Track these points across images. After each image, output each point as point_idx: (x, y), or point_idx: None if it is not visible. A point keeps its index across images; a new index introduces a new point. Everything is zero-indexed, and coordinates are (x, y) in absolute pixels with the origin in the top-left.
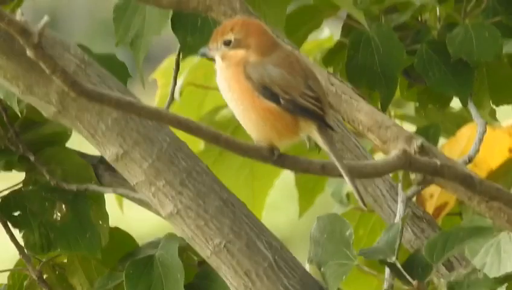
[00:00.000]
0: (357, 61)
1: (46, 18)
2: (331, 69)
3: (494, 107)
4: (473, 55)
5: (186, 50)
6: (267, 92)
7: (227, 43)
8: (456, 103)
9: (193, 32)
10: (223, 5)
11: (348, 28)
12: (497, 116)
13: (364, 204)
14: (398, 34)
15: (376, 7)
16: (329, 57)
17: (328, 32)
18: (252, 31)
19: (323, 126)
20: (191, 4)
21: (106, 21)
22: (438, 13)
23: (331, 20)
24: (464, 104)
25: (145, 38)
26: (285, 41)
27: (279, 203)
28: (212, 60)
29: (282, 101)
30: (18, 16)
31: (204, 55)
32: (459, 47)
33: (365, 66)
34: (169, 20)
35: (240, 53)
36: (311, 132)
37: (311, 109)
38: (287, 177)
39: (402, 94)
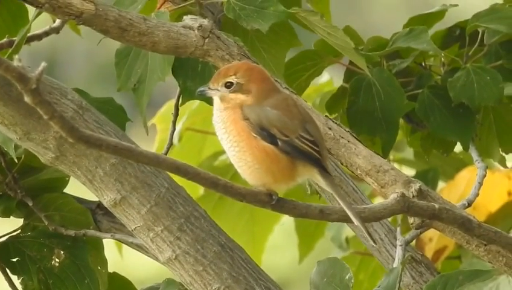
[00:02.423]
0: (358, 107)
1: (43, 64)
2: (335, 116)
3: (503, 154)
4: (474, 99)
5: (186, 95)
6: (265, 133)
7: (228, 86)
8: (456, 147)
9: (193, 77)
10: (221, 50)
11: (350, 74)
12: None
13: (374, 241)
14: (401, 79)
15: (378, 53)
16: (332, 103)
17: (328, 77)
18: (254, 76)
19: (322, 170)
20: (188, 49)
21: (104, 66)
22: (442, 58)
23: (333, 65)
24: (465, 148)
25: (148, 83)
26: (283, 86)
27: (279, 245)
28: (210, 100)
29: (279, 143)
30: (15, 61)
31: (202, 94)
32: (460, 91)
33: (366, 111)
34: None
35: (239, 97)
36: (312, 175)
37: (308, 152)
38: (287, 220)
39: (406, 140)
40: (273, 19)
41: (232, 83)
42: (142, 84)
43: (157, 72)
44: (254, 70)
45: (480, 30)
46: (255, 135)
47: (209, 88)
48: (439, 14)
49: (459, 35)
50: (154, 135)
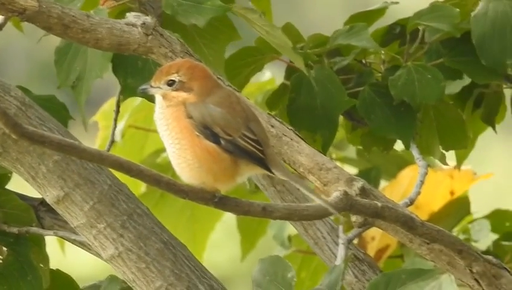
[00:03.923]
0: (299, 104)
1: None
2: (275, 112)
3: (443, 152)
4: (416, 98)
5: (127, 92)
6: (208, 131)
7: (170, 84)
8: (398, 145)
9: (134, 74)
10: (164, 47)
11: (291, 71)
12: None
13: (340, 212)
14: (342, 77)
15: (318, 50)
16: (273, 99)
17: (270, 75)
18: (196, 74)
19: (266, 169)
20: (131, 46)
21: (45, 63)
22: (382, 56)
23: (275, 62)
24: (407, 146)
25: (87, 81)
26: (226, 83)
27: (221, 242)
28: (152, 98)
29: (222, 142)
30: None
31: (144, 92)
32: (401, 89)
33: (306, 108)
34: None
35: (181, 95)
36: (257, 171)
37: (251, 151)
38: (229, 217)
39: (346, 137)
40: (210, 13)
41: (174, 81)
42: (81, 81)
43: (96, 69)
44: (196, 68)
45: (421, 28)
46: (197, 134)
47: (151, 86)
48: (380, 12)
49: (399, 33)
50: (95, 133)
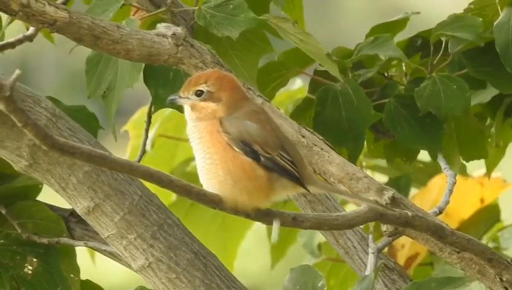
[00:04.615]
0: (325, 117)
1: (17, 71)
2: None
3: (464, 162)
4: (442, 109)
5: (158, 102)
6: (247, 148)
7: (198, 94)
8: (425, 155)
9: (165, 85)
10: (194, 58)
11: (315, 84)
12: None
13: (379, 203)
14: (365, 90)
15: (346, 61)
16: (297, 113)
17: (300, 84)
18: (225, 85)
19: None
20: (161, 57)
21: (75, 73)
22: (403, 68)
23: (300, 76)
24: (434, 158)
25: (118, 91)
26: (257, 93)
27: (251, 251)
28: (182, 108)
29: (262, 159)
30: None
31: (173, 102)
32: (427, 100)
33: (332, 122)
34: (142, 73)
35: (210, 106)
36: (293, 191)
37: (289, 170)
38: (259, 226)
39: (369, 148)
40: (243, 25)
41: (202, 91)
42: (111, 91)
43: (127, 79)
44: (225, 78)
45: (443, 39)
46: (237, 150)
47: (180, 96)
48: (402, 23)
49: (420, 45)
50: (126, 142)
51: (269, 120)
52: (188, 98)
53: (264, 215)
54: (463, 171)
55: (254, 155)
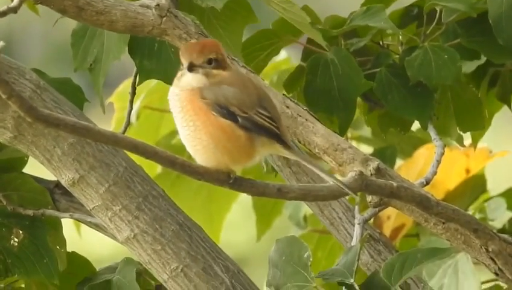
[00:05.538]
0: (315, 86)
1: (1, 43)
2: (292, 94)
3: (461, 133)
4: (432, 78)
5: (143, 74)
6: (224, 110)
7: (209, 62)
8: (414, 125)
9: (150, 57)
10: (178, 29)
11: (308, 53)
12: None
13: (355, 193)
14: (359, 58)
15: (335, 32)
16: (290, 81)
17: (285, 55)
18: (223, 52)
19: (283, 143)
20: (145, 28)
21: (61, 45)
22: (400, 37)
23: (292, 45)
24: (424, 127)
25: (104, 63)
26: (241, 64)
27: (237, 223)
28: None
29: (239, 119)
30: None
31: (193, 72)
32: (417, 70)
33: (323, 90)
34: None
35: (221, 72)
36: (273, 149)
37: (267, 127)
38: (245, 198)
39: (363, 118)
40: None
41: (211, 59)
42: (98, 63)
43: (113, 51)
44: (221, 46)
45: (438, 9)
46: (214, 113)
47: (194, 65)
48: None
49: (416, 15)
50: (112, 115)
51: (251, 80)
52: (201, 66)
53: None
54: (460, 143)
55: (232, 116)
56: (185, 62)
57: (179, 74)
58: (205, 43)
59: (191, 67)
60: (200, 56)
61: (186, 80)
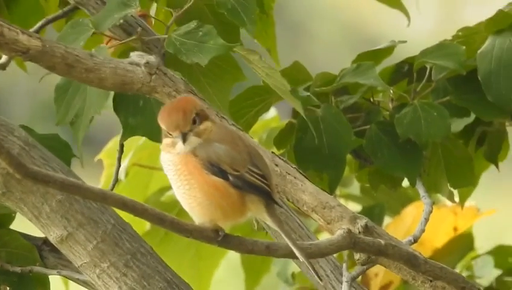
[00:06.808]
0: (305, 144)
1: None
2: (282, 152)
3: (452, 189)
4: (422, 135)
5: (128, 131)
6: (215, 168)
7: (194, 122)
8: (405, 182)
9: (135, 114)
10: (168, 87)
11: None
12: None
13: (320, 278)
14: (350, 115)
15: (325, 89)
16: (280, 138)
17: (274, 113)
18: (199, 104)
19: (271, 204)
20: (135, 86)
21: (47, 102)
22: (391, 94)
23: (282, 101)
24: (412, 184)
25: (85, 117)
26: (230, 122)
27: (225, 280)
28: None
29: (230, 177)
30: None
31: (186, 140)
32: (407, 127)
33: (314, 147)
34: (112, 101)
35: (207, 124)
36: (259, 212)
37: (259, 185)
38: (233, 255)
39: (354, 175)
40: (212, 52)
41: (195, 118)
42: (79, 118)
43: (94, 105)
44: (194, 100)
45: (428, 66)
46: (206, 171)
47: (184, 133)
48: (388, 50)
49: (407, 71)
50: (101, 172)
51: (241, 136)
52: (190, 130)
53: (238, 244)
54: (451, 199)
55: (223, 175)
56: (173, 132)
57: (168, 140)
58: (182, 106)
59: (184, 137)
60: (186, 122)
61: (182, 148)
